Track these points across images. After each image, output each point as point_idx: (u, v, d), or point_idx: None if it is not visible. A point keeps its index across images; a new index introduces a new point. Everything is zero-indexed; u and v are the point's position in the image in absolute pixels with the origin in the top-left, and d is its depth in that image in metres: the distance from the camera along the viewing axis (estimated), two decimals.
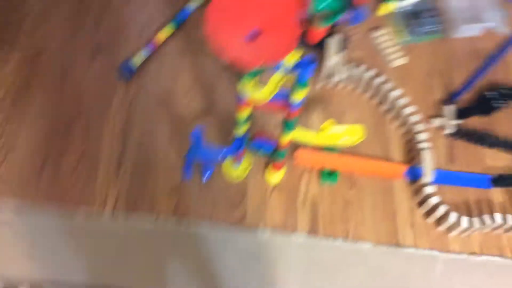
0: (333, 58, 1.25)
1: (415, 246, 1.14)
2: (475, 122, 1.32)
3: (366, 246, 1.13)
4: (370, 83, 1.29)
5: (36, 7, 1.34)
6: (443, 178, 1.22)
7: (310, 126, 1.26)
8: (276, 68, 0.78)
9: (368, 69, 1.27)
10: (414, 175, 1.20)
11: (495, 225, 1.12)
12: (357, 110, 1.30)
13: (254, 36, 0.73)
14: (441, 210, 1.12)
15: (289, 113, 0.91)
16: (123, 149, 1.17)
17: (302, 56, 0.77)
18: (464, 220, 1.11)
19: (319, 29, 0.74)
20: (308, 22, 0.74)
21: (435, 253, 1.14)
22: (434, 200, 1.13)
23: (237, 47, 0.72)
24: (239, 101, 0.91)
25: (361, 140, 1.05)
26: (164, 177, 1.15)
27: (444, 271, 1.11)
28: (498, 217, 1.12)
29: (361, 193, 1.19)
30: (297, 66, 0.77)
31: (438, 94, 1.35)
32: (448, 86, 1.36)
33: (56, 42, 1.29)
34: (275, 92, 0.84)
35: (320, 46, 1.28)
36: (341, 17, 0.72)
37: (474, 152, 1.28)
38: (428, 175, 1.15)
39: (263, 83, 0.85)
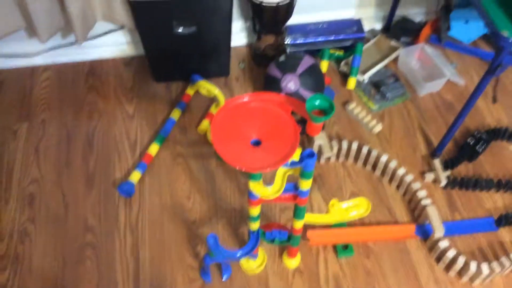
0: (319, 136, 1.32)
1: None
2: (462, 169, 1.38)
3: None
4: (358, 154, 1.35)
5: (20, 153, 1.36)
6: (451, 229, 1.25)
7: (311, 206, 1.29)
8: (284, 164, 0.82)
9: (351, 141, 1.34)
10: (424, 232, 1.23)
11: None
12: (353, 181, 1.34)
13: (257, 144, 0.78)
14: (460, 261, 1.14)
15: (299, 201, 0.94)
16: (137, 266, 1.16)
17: (303, 150, 0.82)
18: (485, 267, 1.13)
19: (317, 124, 0.81)
20: (306, 119, 0.80)
21: None
22: (451, 253, 1.15)
23: (243, 156, 0.77)
24: (250, 199, 0.93)
25: (369, 211, 1.08)
26: (183, 284, 1.14)
27: None
28: None
29: (379, 260, 1.20)
30: (300, 159, 0.82)
31: (423, 150, 1.42)
32: (429, 141, 1.44)
33: (49, 181, 1.31)
34: (283, 187, 0.87)
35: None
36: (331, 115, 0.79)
37: (472, 198, 1.33)
38: (439, 230, 1.18)
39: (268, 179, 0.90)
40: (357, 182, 1.35)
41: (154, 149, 1.34)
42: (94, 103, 1.47)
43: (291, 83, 1.36)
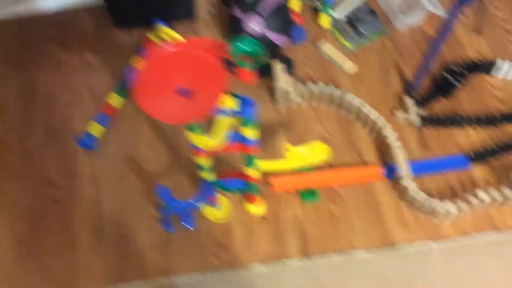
0: (283, 80, 1.26)
1: (410, 241, 1.13)
2: (438, 106, 1.33)
3: (361, 254, 1.11)
4: (327, 95, 1.30)
5: None
6: (421, 168, 1.22)
7: (278, 151, 1.26)
8: (220, 113, 0.79)
9: (320, 82, 1.29)
10: (392, 173, 1.20)
11: (481, 202, 1.11)
12: (323, 125, 1.30)
13: (184, 93, 0.74)
14: (427, 202, 1.12)
15: (247, 150, 0.91)
16: (100, 219, 1.17)
17: (241, 99, 0.78)
18: (452, 207, 1.11)
19: (248, 70, 0.76)
20: (233, 64, 0.75)
21: (430, 244, 1.12)
22: (416, 194, 1.13)
23: (169, 107, 0.74)
24: (194, 150, 0.91)
25: (328, 155, 1.05)
26: (147, 236, 1.15)
27: (442, 259, 1.10)
28: (482, 194, 1.11)
29: (346, 204, 1.19)
30: (240, 108, 0.78)
31: (397, 87, 1.36)
32: (406, 78, 1.38)
33: (10, 137, 1.30)
34: (226, 136, 0.84)
35: (267, 71, 1.30)
36: (264, 60, 0.73)
37: (446, 136, 1.28)
38: (403, 170, 1.15)
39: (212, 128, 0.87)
40: (327, 125, 1.31)
41: (116, 100, 1.32)
42: (55, 54, 1.43)
43: (254, 24, 1.30)
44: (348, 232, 1.15)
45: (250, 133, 0.86)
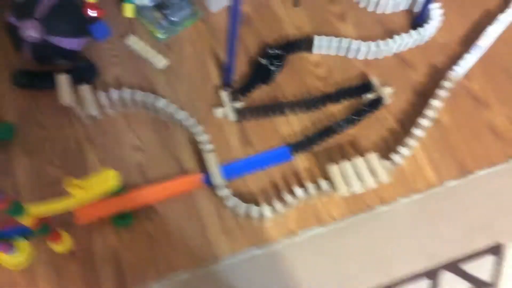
0: (69, 96, 1.10)
1: (233, 252, 1.06)
2: (258, 95, 1.24)
3: (181, 278, 1.03)
4: (131, 100, 1.16)
5: None
6: (242, 167, 1.14)
7: (91, 169, 1.12)
8: None
9: (125, 85, 1.15)
10: (211, 180, 1.11)
11: (298, 199, 1.06)
12: (135, 134, 1.17)
13: None
14: (242, 208, 1.05)
15: None
16: None
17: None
18: (267, 210, 1.04)
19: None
20: None
21: (254, 251, 1.06)
22: (231, 202, 1.05)
23: None
24: None
25: (118, 181, 0.93)
26: None
27: (267, 264, 1.05)
28: (298, 191, 1.06)
29: (164, 221, 1.09)
30: None
31: (215, 80, 1.26)
32: (222, 67, 1.27)
33: None
34: None
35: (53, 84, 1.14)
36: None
37: (267, 127, 1.21)
38: (216, 177, 1.06)
39: None
40: (140, 133, 1.18)
41: None
42: None
43: (31, 31, 1.11)
44: (168, 255, 1.05)
45: None
